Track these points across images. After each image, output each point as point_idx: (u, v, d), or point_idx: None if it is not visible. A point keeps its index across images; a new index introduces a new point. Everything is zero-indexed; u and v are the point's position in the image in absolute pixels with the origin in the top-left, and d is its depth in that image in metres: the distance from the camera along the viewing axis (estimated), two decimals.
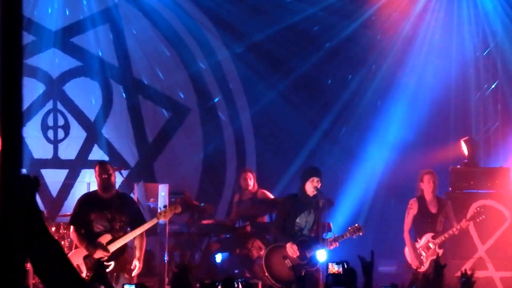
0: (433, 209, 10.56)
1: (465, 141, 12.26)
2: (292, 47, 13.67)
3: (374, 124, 13.78)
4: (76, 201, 9.69)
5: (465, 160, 12.09)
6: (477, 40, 13.51)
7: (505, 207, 11.44)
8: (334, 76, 13.82)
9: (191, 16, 13.78)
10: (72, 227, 9.51)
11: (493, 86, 13.57)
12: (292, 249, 9.75)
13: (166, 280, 11.24)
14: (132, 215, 9.54)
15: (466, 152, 12.15)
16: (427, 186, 10.55)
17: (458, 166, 12.03)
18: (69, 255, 9.36)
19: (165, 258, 11.41)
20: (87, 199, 9.60)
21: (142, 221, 9.56)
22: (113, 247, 9.33)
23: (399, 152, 13.53)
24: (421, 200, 10.58)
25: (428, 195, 10.57)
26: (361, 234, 10.05)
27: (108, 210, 9.44)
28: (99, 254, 9.30)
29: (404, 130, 13.62)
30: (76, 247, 9.64)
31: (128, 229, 9.48)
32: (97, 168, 9.58)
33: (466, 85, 13.54)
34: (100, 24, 13.60)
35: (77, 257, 9.36)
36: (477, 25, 13.50)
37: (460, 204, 11.46)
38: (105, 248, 9.32)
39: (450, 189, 11.74)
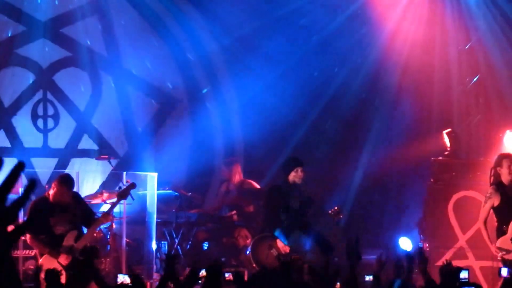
0: None
1: (447, 133, 12.45)
2: (279, 39, 13.75)
3: (359, 116, 13.95)
4: (28, 209, 9.51)
5: (447, 152, 12.28)
6: (459, 34, 13.71)
7: None
8: (320, 68, 13.95)
9: (180, 7, 13.90)
10: (28, 236, 9.37)
11: (474, 79, 13.78)
12: (281, 243, 9.77)
13: (154, 267, 11.41)
14: (84, 212, 9.68)
15: (448, 144, 12.35)
16: (506, 171, 9.74)
17: (440, 158, 12.21)
18: (41, 260, 9.34)
19: (153, 247, 11.56)
20: (40, 206, 9.41)
21: (93, 217, 9.76)
22: (81, 243, 9.36)
23: (383, 143, 13.73)
24: (502, 186, 9.76)
25: (508, 180, 9.76)
26: (341, 217, 10.07)
27: (67, 212, 9.45)
28: (62, 259, 9.28)
29: (388, 122, 13.82)
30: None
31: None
32: (56, 185, 9.44)
33: (449, 78, 13.75)
34: (89, 15, 13.67)
35: (50, 261, 9.23)
36: (460, 19, 13.69)
37: (442, 195, 11.63)
38: (69, 251, 9.29)
39: (432, 180, 11.91)
